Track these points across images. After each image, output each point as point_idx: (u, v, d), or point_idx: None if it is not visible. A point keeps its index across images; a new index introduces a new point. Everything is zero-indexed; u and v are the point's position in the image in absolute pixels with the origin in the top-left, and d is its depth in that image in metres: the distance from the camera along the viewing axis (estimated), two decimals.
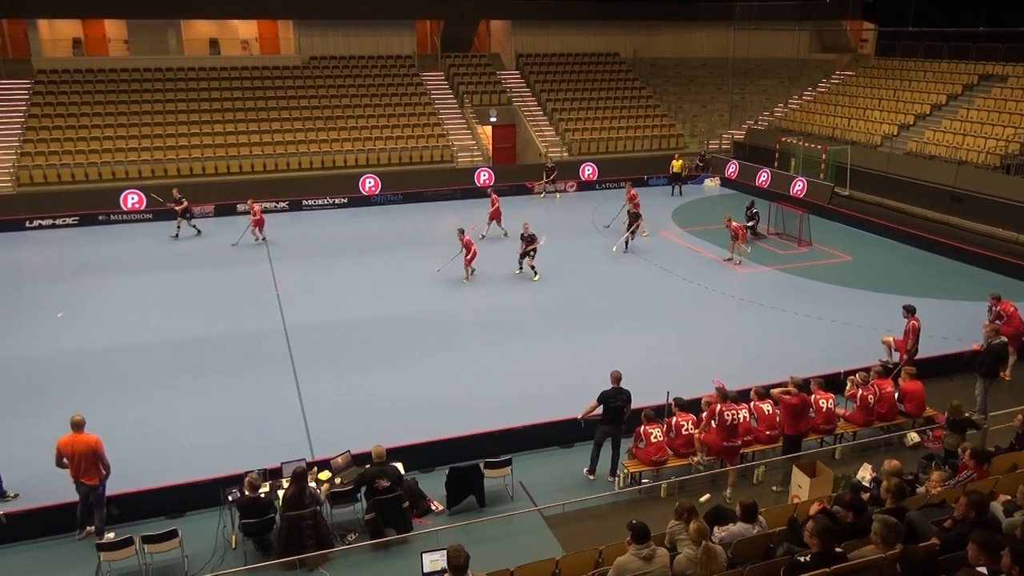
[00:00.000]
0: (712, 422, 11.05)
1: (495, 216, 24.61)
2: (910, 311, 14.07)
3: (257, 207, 24.44)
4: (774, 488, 11.10)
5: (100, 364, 15.47)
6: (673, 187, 31.36)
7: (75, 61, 32.97)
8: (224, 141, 30.43)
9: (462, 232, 20.24)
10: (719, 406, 10.95)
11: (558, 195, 31.24)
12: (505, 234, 24.36)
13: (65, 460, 9.74)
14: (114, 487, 10.25)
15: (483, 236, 24.14)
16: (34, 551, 9.92)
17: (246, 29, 36.83)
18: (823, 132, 32.01)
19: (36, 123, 29.51)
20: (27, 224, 26.10)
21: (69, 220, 26.55)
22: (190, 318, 17.94)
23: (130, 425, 12.95)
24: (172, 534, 9.39)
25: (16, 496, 10.96)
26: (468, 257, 20.23)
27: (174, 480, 10.82)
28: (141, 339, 16.68)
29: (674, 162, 31.48)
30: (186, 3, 32.18)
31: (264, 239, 24.16)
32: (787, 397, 11.15)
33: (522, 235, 20.58)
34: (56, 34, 33.87)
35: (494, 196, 25.14)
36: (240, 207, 27.98)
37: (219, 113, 31.67)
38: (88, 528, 10.05)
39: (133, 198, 27.29)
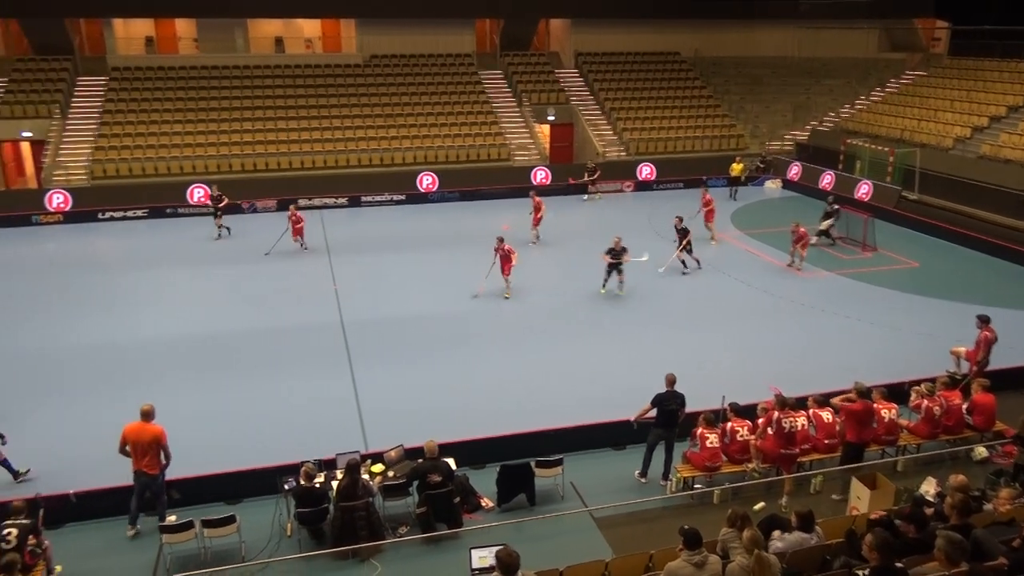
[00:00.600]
0: (769, 429, 10.84)
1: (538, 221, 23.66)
2: (984, 321, 13.54)
3: (300, 213, 23.52)
4: (834, 496, 10.82)
5: (167, 352, 15.99)
6: (731, 191, 30.54)
7: (147, 59, 34.13)
8: (287, 137, 31.10)
9: (501, 241, 19.07)
10: (777, 413, 10.73)
11: (598, 196, 30.58)
12: (537, 238, 23.67)
13: (128, 448, 9.98)
14: (177, 472, 10.58)
15: (533, 243, 23.60)
16: (101, 530, 10.29)
17: (310, 28, 37.57)
18: (891, 134, 31.06)
19: (110, 118, 30.64)
20: (99, 216, 27.11)
21: (139, 212, 27.49)
22: (252, 310, 18.39)
23: (193, 411, 13.35)
24: (231, 519, 9.65)
25: (28, 471, 11.34)
26: (506, 268, 18.93)
27: (234, 467, 11.11)
28: (205, 329, 17.17)
29: (734, 165, 30.61)
30: (253, 2, 33.00)
31: (304, 246, 23.13)
32: (849, 404, 10.87)
33: (611, 249, 18.96)
34: (130, 33, 35.11)
35: (537, 199, 24.00)
36: (301, 201, 28.54)
37: (282, 110, 32.38)
38: (139, 526, 10.23)
39: (199, 192, 28.10)
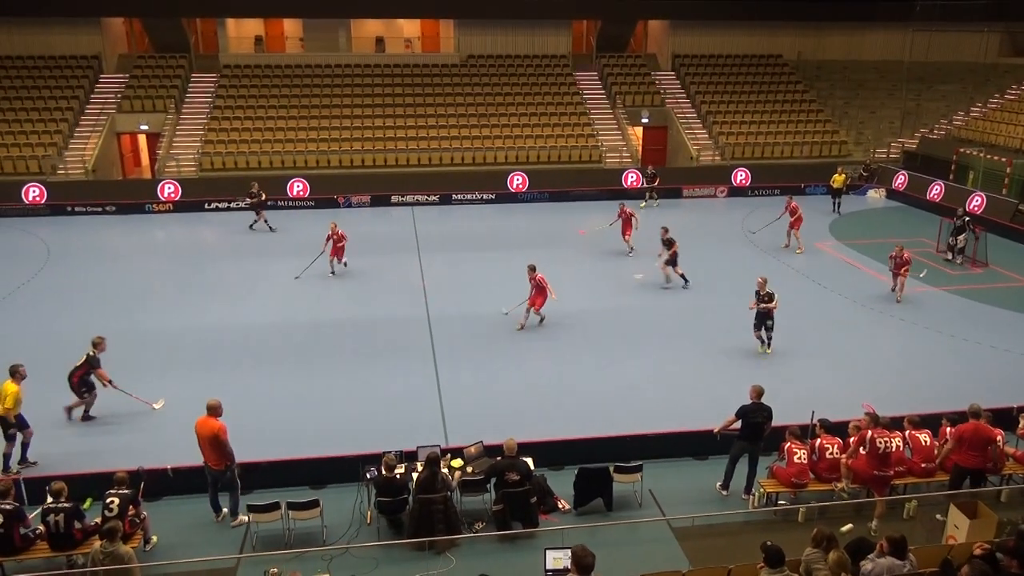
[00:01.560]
0: (862, 448, 10.36)
1: (626, 229, 22.65)
2: None
3: (341, 230, 20.63)
4: (937, 516, 10.23)
5: (264, 338, 16.64)
6: (835, 203, 28.47)
7: (256, 57, 35.66)
8: (383, 135, 31.87)
9: (533, 270, 16.94)
10: (870, 432, 10.25)
11: (656, 203, 29.46)
12: (631, 250, 22.67)
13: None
14: (268, 454, 10.99)
15: (630, 252, 22.68)
16: (194, 505, 10.79)
17: (410, 28, 38.40)
18: (1009, 144, 29.23)
19: (219, 113, 32.17)
20: (206, 206, 28.49)
21: (242, 204, 28.67)
22: (344, 302, 18.94)
23: (285, 397, 13.86)
24: (314, 503, 9.95)
25: (35, 463, 11.62)
26: (538, 301, 16.87)
27: (320, 453, 11.46)
28: (300, 318, 17.78)
29: (836, 176, 28.52)
30: (357, 3, 34.00)
31: (344, 264, 21.04)
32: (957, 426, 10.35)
33: (757, 292, 16.38)
34: (241, 32, 36.77)
35: (627, 210, 22.79)
36: (394, 198, 29.29)
37: (379, 108, 33.21)
38: (225, 510, 10.47)
39: (298, 186, 29.13)
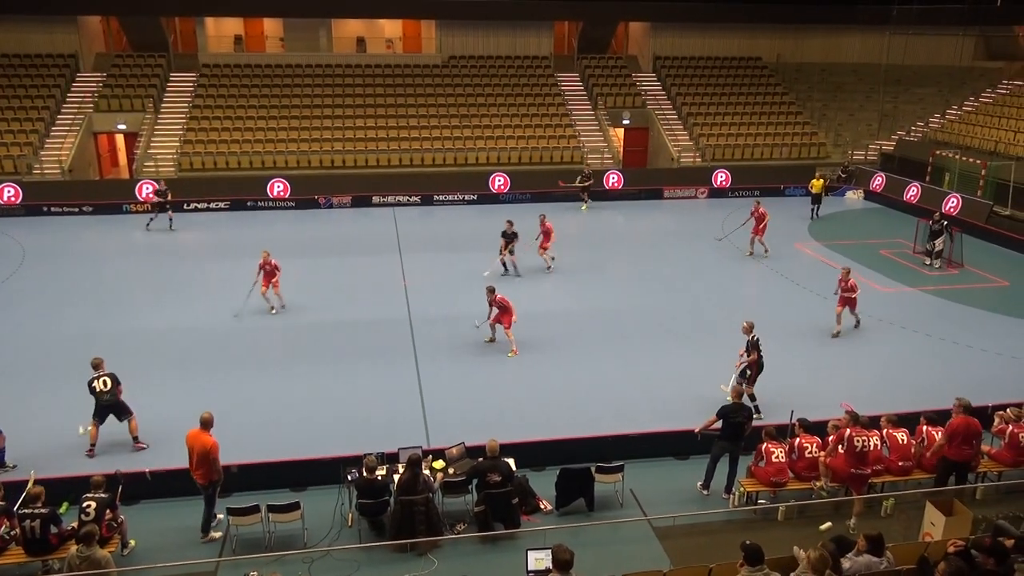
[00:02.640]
0: (840, 447, 10.47)
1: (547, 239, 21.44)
2: None
3: (275, 260, 17.98)
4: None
5: (241, 340, 16.52)
6: (813, 209, 28.02)
7: (235, 56, 35.39)
8: (364, 135, 31.75)
9: (492, 292, 16.07)
10: (849, 430, 10.36)
11: (585, 205, 28.95)
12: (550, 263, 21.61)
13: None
14: (247, 457, 10.91)
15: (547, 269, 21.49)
16: (173, 508, 10.69)
17: (391, 28, 38.29)
18: (984, 146, 29.67)
19: (199, 113, 31.90)
20: (185, 207, 28.21)
21: (221, 204, 28.50)
22: (324, 303, 18.84)
23: (264, 399, 13.77)
24: (295, 506, 9.90)
25: (15, 467, 11.37)
26: (504, 320, 15.91)
27: (300, 455, 11.40)
28: (280, 320, 17.67)
29: (814, 181, 27.96)
30: (338, 2, 33.84)
31: (282, 305, 18.26)
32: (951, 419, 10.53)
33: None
34: (220, 31, 36.46)
35: (548, 224, 21.42)
36: (375, 198, 29.20)
37: (361, 108, 33.08)
38: (219, 516, 10.32)
39: (279, 186, 28.96)
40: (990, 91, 35.05)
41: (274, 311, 18.02)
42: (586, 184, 28.97)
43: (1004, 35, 37.62)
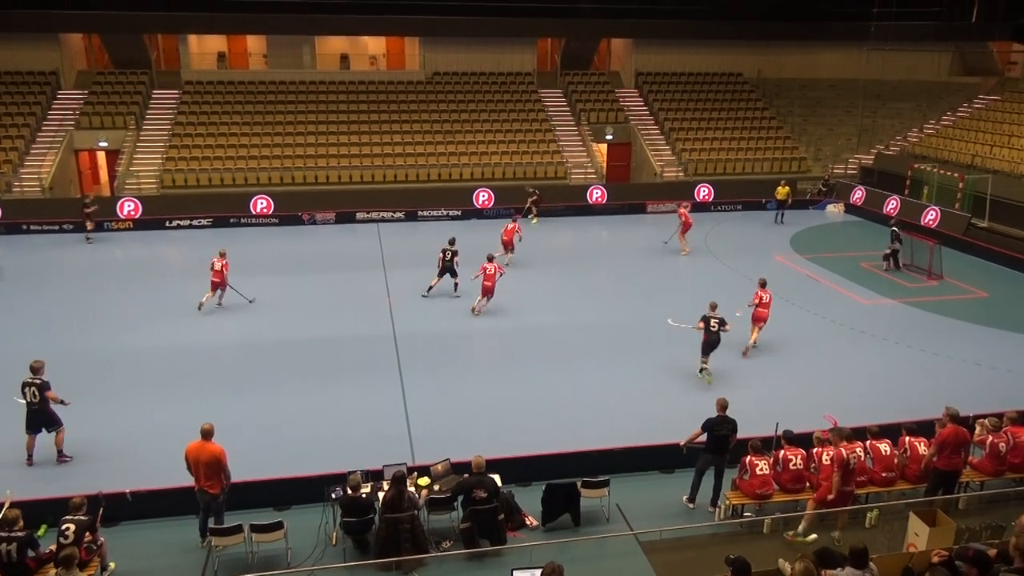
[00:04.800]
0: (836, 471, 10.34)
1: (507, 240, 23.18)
2: None
3: (225, 262, 19.24)
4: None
5: (224, 358, 16.40)
6: (776, 215, 29.60)
7: (219, 73, 35.36)
8: (348, 152, 31.74)
9: (491, 259, 18.97)
10: (843, 450, 10.20)
11: (535, 219, 29.14)
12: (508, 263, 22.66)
13: (190, 467, 10.07)
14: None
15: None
16: (154, 530, 10.56)
17: (375, 45, 38.41)
18: (961, 160, 30.09)
19: (181, 130, 31.79)
20: (167, 224, 28.06)
21: (204, 221, 28.35)
22: (308, 320, 18.74)
23: (246, 418, 13.63)
24: (278, 525, 9.80)
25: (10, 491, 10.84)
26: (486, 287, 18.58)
27: (283, 474, 11.29)
28: (263, 337, 17.55)
29: (779, 188, 29.63)
30: (321, 21, 33.91)
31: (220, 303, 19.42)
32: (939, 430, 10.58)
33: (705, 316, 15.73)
34: (203, 48, 36.44)
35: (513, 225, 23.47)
36: (359, 214, 29.18)
37: (345, 125, 33.10)
38: (209, 537, 10.24)
39: (262, 203, 28.87)
40: (967, 106, 35.60)
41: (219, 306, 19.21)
42: (535, 200, 29.18)
43: (979, 51, 38.26)
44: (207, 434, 10.00)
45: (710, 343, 15.27)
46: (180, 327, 18.14)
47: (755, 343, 16.89)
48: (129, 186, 29.34)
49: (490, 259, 19.09)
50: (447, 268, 20.26)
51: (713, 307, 15.47)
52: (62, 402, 12.33)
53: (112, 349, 16.78)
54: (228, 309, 19.38)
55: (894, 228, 23.41)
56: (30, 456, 12.19)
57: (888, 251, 23.14)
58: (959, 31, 36.42)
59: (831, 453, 10.31)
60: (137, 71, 34.16)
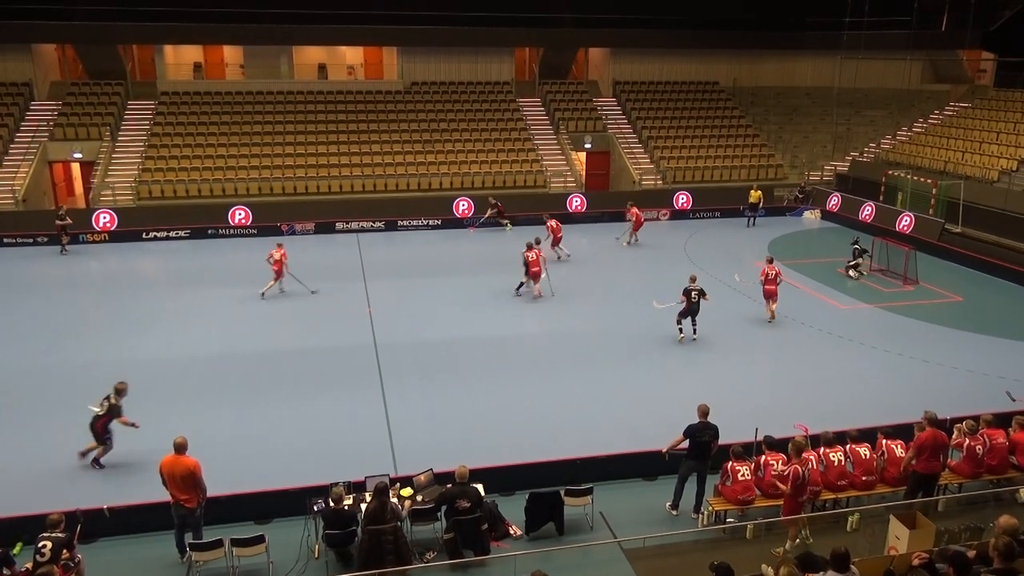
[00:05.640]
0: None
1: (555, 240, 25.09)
2: None
3: (284, 252, 21.38)
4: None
5: (203, 371, 16.22)
6: (750, 218, 30.77)
7: (195, 84, 35.12)
8: (327, 162, 31.64)
9: (530, 247, 20.75)
10: (798, 466, 10.28)
11: (508, 227, 29.25)
12: (559, 257, 24.73)
13: (165, 481, 9.94)
14: (210, 491, 10.64)
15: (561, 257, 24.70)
16: (132, 546, 10.40)
17: (353, 55, 38.37)
18: (934, 166, 30.56)
19: (157, 141, 31.52)
20: (143, 236, 27.77)
21: (182, 233, 28.10)
22: (287, 331, 18.61)
23: (226, 430, 13.51)
24: (260, 539, 9.70)
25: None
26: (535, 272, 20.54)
27: (264, 487, 11.18)
28: (241, 349, 17.39)
29: (752, 192, 30.80)
30: (298, 31, 33.83)
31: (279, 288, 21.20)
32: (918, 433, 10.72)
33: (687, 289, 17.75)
34: (179, 59, 36.19)
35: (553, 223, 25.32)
36: (339, 224, 29.07)
37: (323, 135, 33.00)
38: (190, 553, 10.10)
39: (240, 214, 28.67)
40: (938, 113, 36.20)
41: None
42: (496, 210, 29.28)
43: (949, 59, 38.95)
44: (181, 448, 9.88)
45: (691, 311, 17.59)
46: (156, 340, 17.95)
47: (774, 315, 19.08)
48: (104, 198, 29.03)
49: (529, 247, 20.63)
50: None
51: (693, 279, 17.77)
52: (132, 424, 12.39)
53: (87, 362, 16.55)
54: (209, 322, 19.21)
55: (855, 245, 23.71)
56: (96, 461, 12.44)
57: (851, 263, 23.40)
58: (929, 40, 37.04)
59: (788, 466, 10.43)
60: (112, 82, 33.86)
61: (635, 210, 27.51)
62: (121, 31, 32.50)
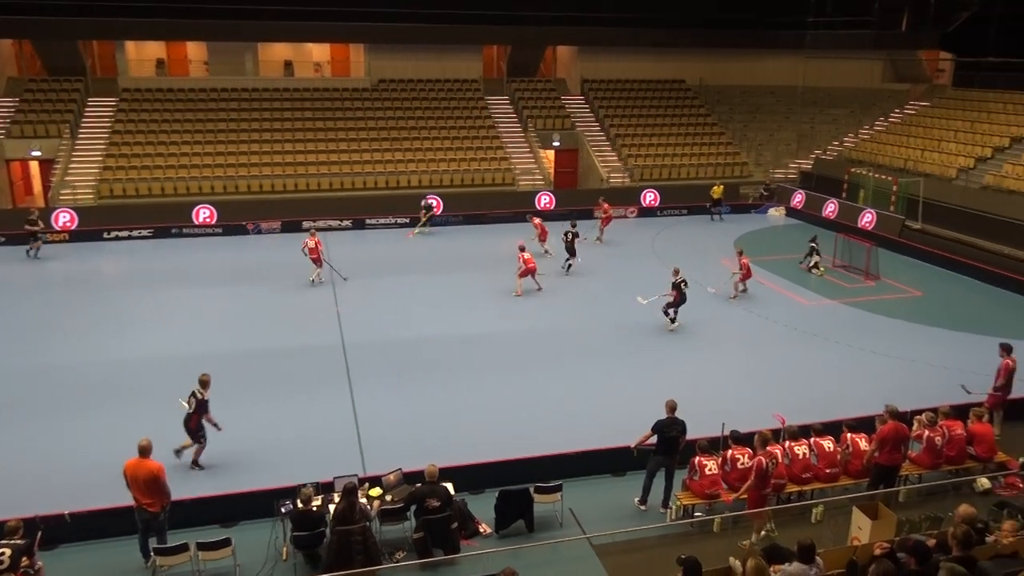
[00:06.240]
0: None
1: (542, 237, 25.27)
2: (1007, 350, 13.47)
3: (318, 239, 22.40)
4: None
5: (167, 372, 15.93)
6: (712, 213, 31.32)
7: (158, 81, 34.51)
8: (294, 160, 31.32)
9: (522, 249, 21.26)
10: (763, 457, 10.45)
11: (417, 231, 28.82)
12: (545, 251, 24.94)
13: (129, 484, 9.78)
14: (175, 494, 10.49)
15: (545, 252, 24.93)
16: (94, 551, 10.22)
17: (319, 52, 38.00)
18: (894, 164, 31.15)
19: (119, 139, 30.93)
20: (105, 235, 27.24)
21: (144, 232, 27.62)
22: (253, 331, 18.40)
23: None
24: (226, 542, 9.58)
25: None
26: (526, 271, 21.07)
27: (230, 489, 11.05)
28: (205, 350, 17.12)
29: (715, 188, 31.40)
30: (264, 27, 33.37)
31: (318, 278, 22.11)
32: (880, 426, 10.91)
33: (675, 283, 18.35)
34: (141, 55, 35.53)
35: (536, 221, 25.61)
36: (306, 223, 28.76)
37: (289, 133, 32.65)
38: (154, 557, 9.94)
39: (204, 212, 28.26)
40: (898, 111, 36.90)
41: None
42: (429, 215, 29.01)
43: (908, 59, 39.73)
44: (145, 451, 9.73)
45: (682, 302, 18.23)
46: (118, 341, 17.64)
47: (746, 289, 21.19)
48: (64, 196, 28.42)
49: (522, 249, 21.30)
50: (570, 248, 23.18)
51: (676, 272, 18.36)
52: (216, 426, 12.19)
53: (45, 364, 16.20)
54: (173, 323, 18.92)
55: (812, 243, 24.14)
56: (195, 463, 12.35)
57: (812, 263, 23.79)
58: (890, 40, 37.80)
59: (750, 458, 10.59)
60: (71, 78, 33.13)
61: (606, 205, 27.88)
62: (81, 26, 31.77)
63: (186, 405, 12.14)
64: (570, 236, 23.36)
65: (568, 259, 23.36)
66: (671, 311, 18.44)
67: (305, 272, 22.65)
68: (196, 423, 12.13)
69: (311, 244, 21.99)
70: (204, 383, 12.18)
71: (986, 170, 27.90)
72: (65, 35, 32.03)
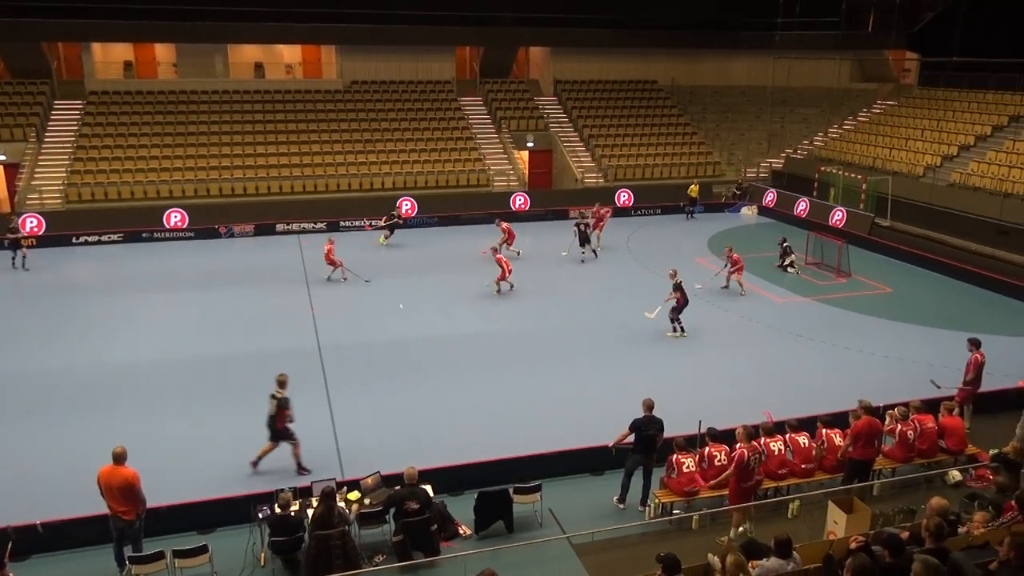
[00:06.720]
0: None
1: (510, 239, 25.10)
2: (975, 344, 13.72)
3: (331, 246, 22.77)
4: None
5: (140, 378, 15.74)
6: (688, 211, 31.77)
7: (125, 83, 34.01)
8: (266, 162, 31.04)
9: (495, 251, 21.92)
10: (745, 451, 10.54)
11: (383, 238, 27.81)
12: (517, 254, 24.99)
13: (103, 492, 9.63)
14: (151, 500, 10.35)
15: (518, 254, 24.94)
16: (67, 562, 10.04)
17: (290, 54, 37.69)
18: (863, 162, 31.61)
19: (86, 142, 30.43)
20: (73, 240, 26.79)
21: (114, 237, 27.21)
22: (228, 335, 18.20)
23: (166, 437, 13.13)
24: (202, 549, 9.47)
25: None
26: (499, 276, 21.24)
27: (206, 495, 10.92)
28: (180, 355, 16.95)
29: (692, 187, 31.87)
30: (234, 28, 33.05)
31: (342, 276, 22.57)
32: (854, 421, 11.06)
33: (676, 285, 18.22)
34: (108, 57, 34.99)
35: (504, 225, 25.40)
36: (279, 226, 28.58)
37: (262, 135, 32.35)
38: (129, 566, 9.77)
39: (176, 216, 27.91)
40: (866, 111, 37.45)
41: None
42: (394, 222, 28.46)
43: (876, 59, 40.36)
44: (119, 458, 9.57)
45: (686, 304, 18.10)
46: (92, 347, 17.35)
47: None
48: (31, 201, 27.90)
49: (495, 251, 22.06)
50: (583, 236, 24.47)
51: (675, 273, 18.34)
52: (290, 421, 12.02)
53: (17, 371, 15.90)
54: (146, 327, 18.66)
55: (784, 244, 24.51)
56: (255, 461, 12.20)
57: (787, 263, 24.11)
58: (857, 40, 38.39)
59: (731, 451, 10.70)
60: (36, 81, 32.53)
61: (603, 211, 27.16)
62: (46, 27, 31.19)
63: (270, 408, 12.04)
64: (581, 227, 24.48)
65: (583, 249, 24.56)
66: (678, 319, 18.18)
67: (284, 276, 22.49)
68: (282, 423, 11.97)
69: (325, 249, 22.60)
70: (282, 383, 12.06)
71: (952, 168, 28.41)
72: (29, 36, 31.43)
